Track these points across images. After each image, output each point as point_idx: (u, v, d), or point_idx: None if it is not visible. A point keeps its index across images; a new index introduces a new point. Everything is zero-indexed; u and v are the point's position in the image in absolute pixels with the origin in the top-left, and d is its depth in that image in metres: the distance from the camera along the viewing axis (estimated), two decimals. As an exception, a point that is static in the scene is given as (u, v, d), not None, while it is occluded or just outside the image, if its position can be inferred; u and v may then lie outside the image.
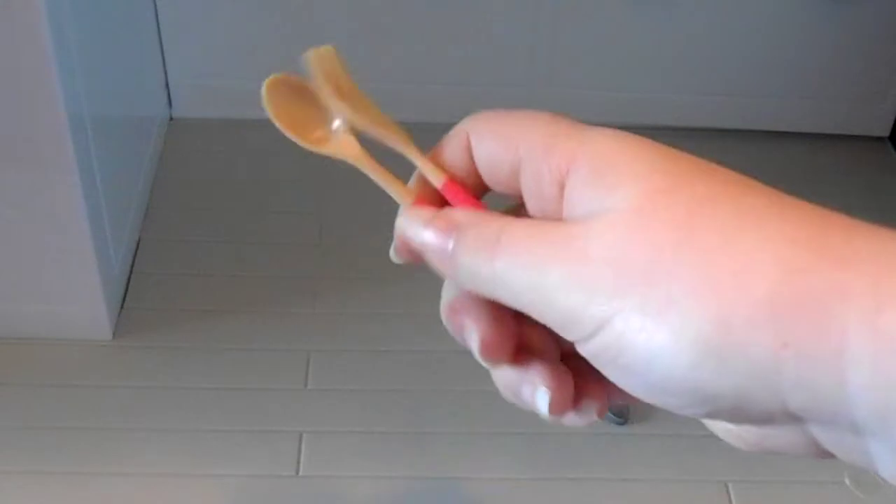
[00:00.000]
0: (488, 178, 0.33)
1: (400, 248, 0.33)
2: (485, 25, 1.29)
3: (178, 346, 1.02)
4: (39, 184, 0.90)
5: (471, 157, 0.33)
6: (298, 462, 0.91)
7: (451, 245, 0.31)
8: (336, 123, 0.35)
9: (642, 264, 0.27)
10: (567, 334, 0.28)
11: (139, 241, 1.14)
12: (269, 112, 0.34)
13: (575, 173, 0.29)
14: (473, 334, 0.32)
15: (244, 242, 1.15)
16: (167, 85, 1.31)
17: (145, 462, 0.91)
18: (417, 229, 0.32)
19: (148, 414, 0.95)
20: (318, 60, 0.35)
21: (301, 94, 0.35)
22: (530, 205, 0.31)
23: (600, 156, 0.30)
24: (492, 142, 0.33)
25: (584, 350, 0.28)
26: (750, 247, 0.27)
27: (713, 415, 0.27)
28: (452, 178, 0.34)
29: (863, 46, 1.31)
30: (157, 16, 1.25)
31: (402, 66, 1.32)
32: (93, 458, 0.91)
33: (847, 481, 0.94)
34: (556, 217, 0.30)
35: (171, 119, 1.33)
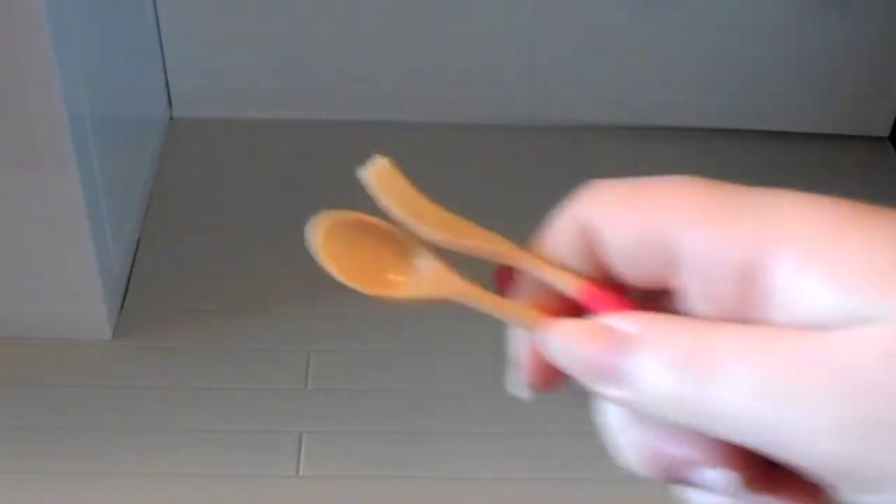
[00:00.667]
0: (625, 272, 0.26)
1: (536, 375, 0.27)
2: (484, 25, 1.29)
3: (178, 346, 1.02)
4: (39, 184, 0.90)
5: (588, 251, 0.27)
6: (298, 462, 0.91)
7: (627, 364, 0.23)
8: (420, 260, 0.29)
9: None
10: (837, 484, 0.21)
11: (139, 241, 1.14)
12: (329, 266, 0.28)
13: (782, 264, 0.23)
14: (712, 471, 0.24)
15: (244, 242, 1.15)
16: (167, 85, 1.31)
17: (145, 462, 0.91)
18: (572, 348, 0.25)
19: (148, 414, 0.95)
20: (378, 179, 0.30)
21: (364, 232, 0.29)
22: (697, 304, 0.24)
23: (817, 238, 0.23)
24: (630, 229, 0.25)
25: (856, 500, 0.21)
26: None
27: None
28: (592, 282, 0.26)
29: (862, 46, 1.31)
30: (157, 16, 1.25)
31: (401, 66, 1.32)
32: (93, 458, 0.91)
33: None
34: (740, 319, 0.23)
35: (171, 119, 1.33)
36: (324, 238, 0.28)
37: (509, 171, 1.29)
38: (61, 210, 0.92)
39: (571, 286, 0.27)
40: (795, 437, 0.21)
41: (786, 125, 1.38)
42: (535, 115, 1.35)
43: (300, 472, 0.90)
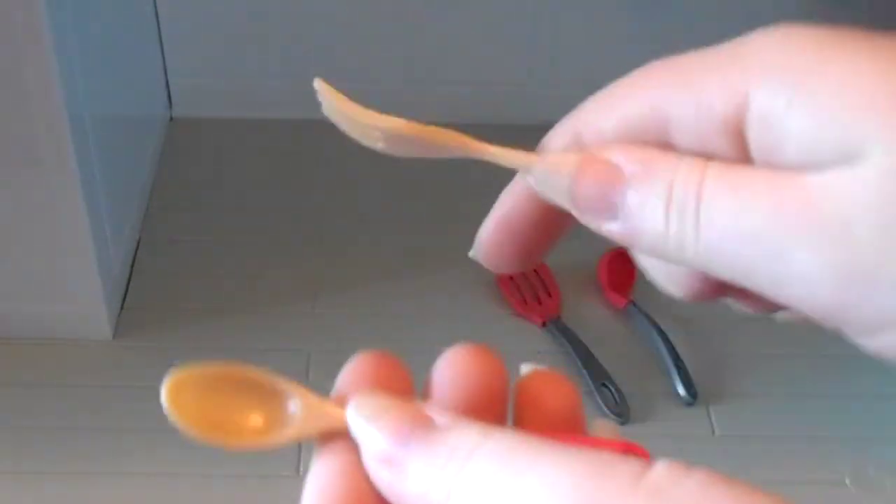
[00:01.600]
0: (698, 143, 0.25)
1: (508, 220, 0.26)
2: (484, 25, 1.29)
3: (178, 346, 1.02)
4: (39, 184, 0.90)
5: (653, 126, 0.26)
6: (298, 462, 0.91)
7: (620, 197, 0.23)
8: (292, 404, 0.26)
9: None
10: (839, 327, 0.21)
11: (139, 241, 1.14)
12: (181, 422, 0.25)
13: (766, 107, 0.22)
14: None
15: (244, 242, 1.15)
16: (167, 85, 1.31)
17: (145, 462, 0.91)
18: (562, 179, 0.25)
19: (148, 414, 0.95)
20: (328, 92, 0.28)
21: (221, 383, 0.25)
22: None
23: (800, 73, 0.21)
24: (615, 118, 0.25)
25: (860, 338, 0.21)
26: None
27: None
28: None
29: (863, 46, 1.31)
30: (157, 16, 1.25)
31: (401, 66, 1.32)
32: (93, 458, 0.91)
33: (847, 481, 0.94)
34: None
35: (171, 119, 1.33)
36: (173, 394, 0.25)
37: (509, 171, 1.29)
38: (61, 210, 0.92)
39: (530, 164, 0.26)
40: (790, 284, 0.21)
41: (786, 125, 1.38)
42: (535, 115, 1.35)
43: (300, 472, 0.90)
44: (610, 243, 1.15)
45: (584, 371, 0.98)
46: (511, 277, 1.10)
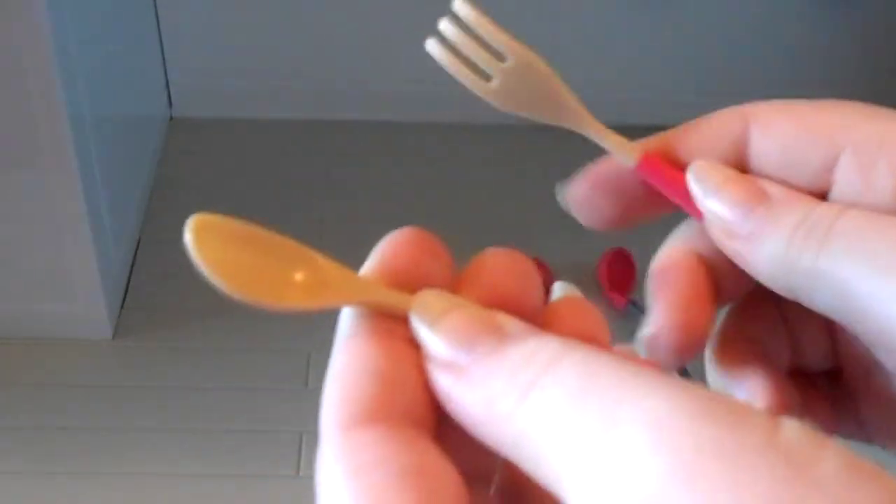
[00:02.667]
0: (779, 172, 0.26)
1: (610, 176, 0.27)
2: (485, 25, 1.29)
3: (178, 346, 1.02)
4: (39, 184, 0.90)
5: (737, 148, 0.27)
6: (298, 462, 0.91)
7: (756, 223, 0.24)
8: (327, 273, 0.23)
9: None
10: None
11: (139, 240, 1.14)
12: (215, 274, 0.21)
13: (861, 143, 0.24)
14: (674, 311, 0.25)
15: (244, 242, 1.15)
16: (167, 85, 1.31)
17: (145, 462, 0.91)
18: (711, 185, 0.25)
19: (148, 414, 0.95)
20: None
21: (245, 241, 0.23)
22: (849, 196, 0.25)
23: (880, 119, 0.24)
24: (795, 132, 0.26)
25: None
26: None
27: None
28: (649, 154, 0.27)
29: (863, 46, 1.31)
30: (157, 16, 1.25)
31: (401, 66, 1.32)
32: (93, 458, 0.91)
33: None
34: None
35: (171, 119, 1.33)
36: (200, 238, 0.21)
37: (509, 170, 1.29)
38: (61, 210, 0.92)
39: (632, 155, 0.27)
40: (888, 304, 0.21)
41: (786, 125, 1.38)
42: (536, 115, 1.35)
43: (300, 473, 0.90)
44: (610, 243, 1.15)
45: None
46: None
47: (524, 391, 0.20)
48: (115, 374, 0.99)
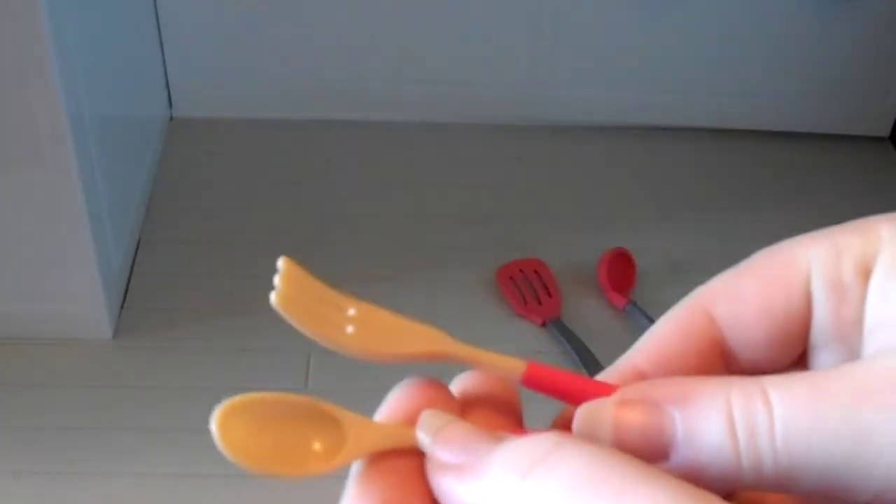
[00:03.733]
0: (749, 340, 0.25)
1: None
2: (485, 25, 1.29)
3: (178, 346, 1.02)
4: (39, 184, 0.90)
5: (712, 344, 0.26)
6: (298, 462, 0.91)
7: (675, 425, 0.22)
8: (342, 419, 0.27)
9: None
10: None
11: (139, 241, 1.14)
12: (236, 456, 0.24)
13: (877, 273, 0.23)
14: None
15: (244, 242, 1.15)
16: (167, 85, 1.31)
17: (145, 462, 0.91)
18: (607, 421, 0.23)
19: (148, 414, 0.95)
20: (286, 301, 0.27)
21: (268, 409, 0.26)
22: (826, 344, 0.24)
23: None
24: (755, 292, 0.25)
25: None
26: None
27: None
28: (533, 364, 0.26)
29: (864, 46, 1.31)
30: (157, 16, 1.25)
31: (401, 66, 1.32)
32: (93, 458, 0.91)
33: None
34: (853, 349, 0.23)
35: (171, 119, 1.33)
36: (222, 427, 0.24)
37: (509, 171, 1.29)
38: (61, 210, 0.92)
39: (517, 370, 0.26)
40: (878, 466, 0.21)
41: (786, 125, 1.38)
42: (536, 115, 1.35)
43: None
44: (610, 243, 1.15)
45: (584, 370, 0.98)
46: (511, 277, 1.10)
47: (525, 473, 0.20)
48: (115, 374, 0.99)
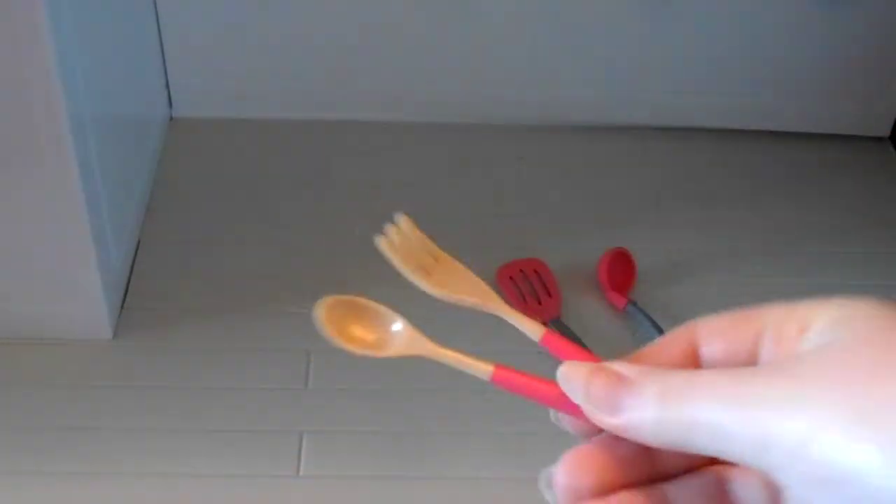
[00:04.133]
0: (716, 360, 0.34)
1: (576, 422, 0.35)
2: (485, 25, 1.29)
3: (178, 346, 1.02)
4: (39, 184, 0.90)
5: (690, 356, 0.34)
6: (298, 462, 0.91)
7: (626, 401, 0.32)
8: (396, 325, 0.40)
9: (846, 385, 0.28)
10: (760, 461, 0.29)
11: (139, 241, 1.14)
12: (331, 334, 0.37)
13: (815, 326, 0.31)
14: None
15: (244, 242, 1.15)
16: (167, 85, 1.31)
17: (145, 462, 0.91)
18: (578, 384, 0.34)
19: (148, 414, 0.95)
20: (392, 245, 0.40)
21: (353, 309, 0.40)
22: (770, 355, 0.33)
23: (839, 310, 0.31)
24: (731, 327, 0.34)
25: (781, 476, 0.29)
26: None
27: None
28: (550, 331, 0.37)
29: (862, 46, 1.31)
30: (157, 16, 1.25)
31: (402, 66, 1.32)
32: (93, 458, 0.91)
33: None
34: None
35: (172, 119, 1.33)
36: (326, 314, 0.37)
37: (509, 171, 1.29)
38: (61, 210, 0.92)
39: (537, 332, 0.37)
40: (745, 427, 0.29)
41: (786, 125, 1.38)
42: (536, 115, 1.35)
43: (300, 472, 0.90)
44: (610, 243, 1.15)
45: (584, 371, 0.98)
46: (511, 277, 1.10)
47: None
48: (115, 374, 0.99)
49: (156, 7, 1.24)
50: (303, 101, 1.33)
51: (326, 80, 1.32)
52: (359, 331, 0.38)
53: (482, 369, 0.36)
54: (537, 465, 0.36)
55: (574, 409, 0.34)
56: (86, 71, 0.93)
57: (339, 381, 0.99)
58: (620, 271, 1.10)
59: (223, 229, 1.16)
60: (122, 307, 1.06)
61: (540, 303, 1.08)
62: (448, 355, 0.37)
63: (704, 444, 0.30)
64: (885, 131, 1.39)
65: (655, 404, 0.31)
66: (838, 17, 1.28)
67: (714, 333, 0.34)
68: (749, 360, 0.33)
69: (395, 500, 0.89)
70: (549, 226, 1.20)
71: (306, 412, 0.96)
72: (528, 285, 1.10)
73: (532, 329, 0.37)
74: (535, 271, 1.11)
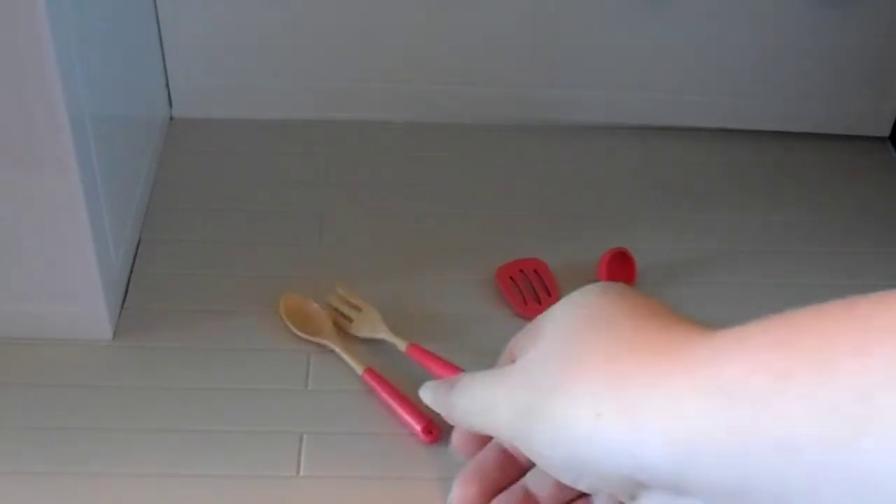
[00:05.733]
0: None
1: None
2: (484, 25, 1.29)
3: (178, 346, 1.02)
4: (39, 183, 0.90)
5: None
6: (298, 462, 0.91)
7: (452, 397, 0.58)
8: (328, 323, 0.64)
9: (538, 375, 0.51)
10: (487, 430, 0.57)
11: (139, 241, 1.14)
12: (288, 322, 0.55)
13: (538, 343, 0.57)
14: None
15: (244, 242, 1.15)
16: (167, 85, 1.31)
17: (145, 462, 0.91)
18: (426, 394, 0.63)
19: (148, 414, 0.95)
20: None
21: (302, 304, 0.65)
22: None
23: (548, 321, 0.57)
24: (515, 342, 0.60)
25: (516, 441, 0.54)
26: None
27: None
28: (413, 344, 0.54)
29: (863, 46, 1.31)
30: (157, 16, 1.25)
31: (401, 66, 1.32)
32: (93, 458, 0.91)
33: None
34: None
35: (171, 119, 1.33)
36: (284, 307, 0.56)
37: (508, 170, 1.29)
38: (61, 210, 0.92)
39: (402, 345, 0.54)
40: (480, 408, 0.58)
41: (786, 125, 1.38)
42: (536, 115, 1.35)
43: (300, 472, 0.91)
44: (610, 243, 1.16)
45: (584, 371, 0.98)
46: (511, 277, 1.10)
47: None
48: (115, 374, 0.99)
49: (156, 7, 1.24)
50: (303, 101, 1.33)
51: (326, 80, 1.32)
52: (306, 321, 0.56)
53: (356, 366, 0.60)
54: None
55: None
56: (86, 71, 0.92)
57: (339, 381, 0.99)
58: (620, 271, 1.10)
59: (223, 229, 1.17)
60: (122, 307, 1.06)
61: (540, 302, 1.08)
62: (343, 349, 0.56)
63: (479, 424, 0.55)
64: (885, 131, 1.39)
65: (454, 399, 0.58)
66: (838, 17, 1.28)
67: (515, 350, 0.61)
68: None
69: (395, 499, 0.89)
70: (549, 226, 1.20)
71: (306, 412, 0.96)
72: (528, 285, 1.10)
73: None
74: (535, 271, 1.11)
